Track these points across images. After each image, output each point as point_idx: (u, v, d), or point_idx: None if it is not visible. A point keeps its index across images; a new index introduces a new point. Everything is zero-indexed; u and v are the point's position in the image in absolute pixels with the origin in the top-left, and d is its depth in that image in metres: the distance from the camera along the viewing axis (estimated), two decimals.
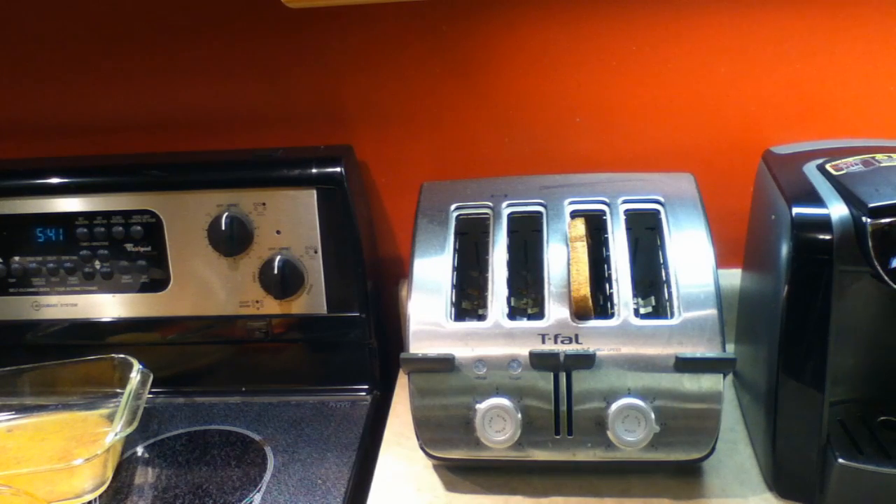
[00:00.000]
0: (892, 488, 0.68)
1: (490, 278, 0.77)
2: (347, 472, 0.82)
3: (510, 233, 0.80)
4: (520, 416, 0.71)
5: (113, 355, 0.92)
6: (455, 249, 0.80)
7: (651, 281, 0.79)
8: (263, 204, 0.90)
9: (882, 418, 0.73)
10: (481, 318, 0.76)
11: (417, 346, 0.74)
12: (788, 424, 0.70)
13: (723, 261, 0.80)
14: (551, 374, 0.71)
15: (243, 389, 0.97)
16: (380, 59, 0.92)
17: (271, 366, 0.97)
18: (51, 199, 0.93)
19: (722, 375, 0.71)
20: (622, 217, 0.80)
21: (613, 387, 0.71)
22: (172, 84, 0.96)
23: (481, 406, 0.71)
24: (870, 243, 0.63)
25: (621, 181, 0.84)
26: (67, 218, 0.93)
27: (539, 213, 0.81)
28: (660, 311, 0.77)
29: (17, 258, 0.94)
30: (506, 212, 0.82)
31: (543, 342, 0.72)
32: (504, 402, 0.71)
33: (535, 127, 0.93)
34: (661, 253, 0.77)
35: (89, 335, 0.96)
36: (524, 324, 0.74)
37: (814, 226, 0.66)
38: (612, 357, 0.71)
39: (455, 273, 0.79)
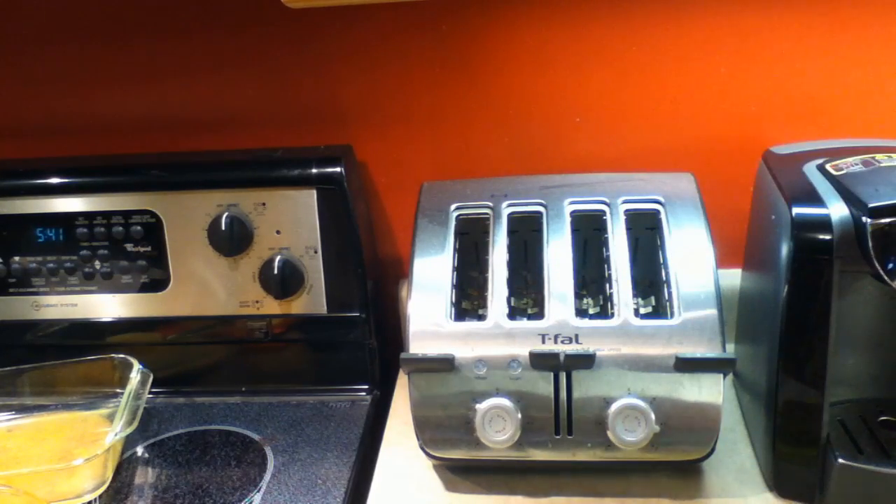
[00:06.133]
0: (892, 488, 0.68)
1: (490, 278, 0.77)
2: (347, 472, 0.82)
3: (510, 233, 0.80)
4: (520, 416, 0.71)
5: (113, 355, 0.92)
6: (455, 249, 0.80)
7: (651, 281, 0.79)
8: (263, 204, 0.90)
9: (882, 418, 0.73)
10: (481, 318, 0.76)
11: (417, 346, 0.74)
12: (788, 424, 0.70)
13: (723, 261, 0.80)
14: (551, 374, 0.71)
15: (243, 389, 0.97)
16: (380, 59, 0.92)
17: (271, 366, 0.97)
18: (51, 199, 0.93)
19: (722, 375, 0.71)
20: (622, 217, 0.79)
21: (613, 387, 0.71)
22: (172, 84, 0.96)
23: (481, 406, 0.71)
24: (870, 243, 0.63)
25: (621, 181, 0.84)
26: (67, 218, 0.93)
27: (539, 213, 0.81)
28: (660, 311, 0.77)
29: (17, 258, 0.94)
30: (506, 212, 0.82)
31: (543, 342, 0.72)
32: (504, 402, 0.71)
33: (535, 127, 0.93)
34: (661, 253, 0.77)
35: (89, 335, 0.96)
36: (524, 324, 0.74)
37: (814, 226, 0.66)
38: (612, 357, 0.71)
39: (455, 273, 0.79)
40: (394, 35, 0.91)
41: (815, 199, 0.68)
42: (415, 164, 0.96)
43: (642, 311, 0.78)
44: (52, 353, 0.95)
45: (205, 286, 0.93)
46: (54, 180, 0.93)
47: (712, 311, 0.72)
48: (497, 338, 0.73)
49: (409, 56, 0.92)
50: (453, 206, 0.83)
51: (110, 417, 0.91)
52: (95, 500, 0.80)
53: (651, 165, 0.92)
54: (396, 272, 1.03)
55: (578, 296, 0.80)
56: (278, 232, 0.91)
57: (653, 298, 0.79)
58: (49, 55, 0.96)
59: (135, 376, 0.88)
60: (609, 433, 0.70)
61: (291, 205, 0.90)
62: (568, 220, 0.80)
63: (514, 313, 0.76)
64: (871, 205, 0.63)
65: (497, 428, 0.71)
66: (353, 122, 0.96)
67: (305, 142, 0.96)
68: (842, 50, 0.86)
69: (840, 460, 0.68)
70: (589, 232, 0.82)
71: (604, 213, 0.80)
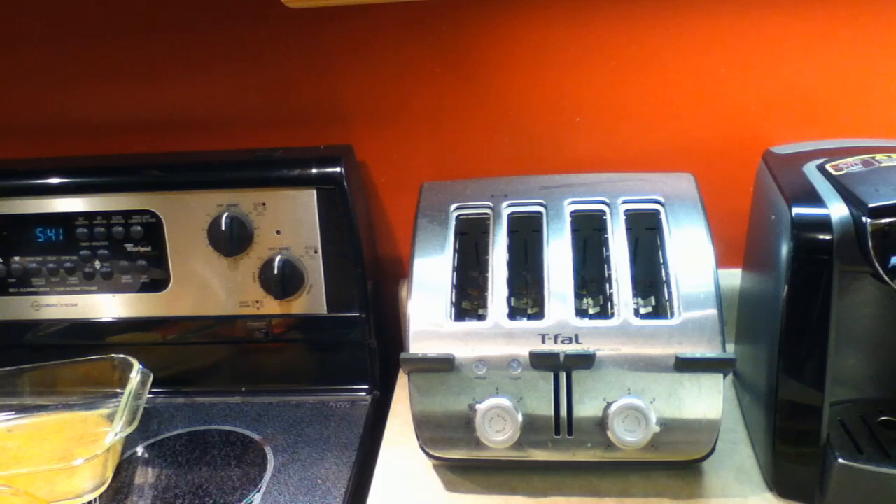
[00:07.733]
0: (892, 488, 0.68)
1: (490, 278, 0.77)
2: (347, 472, 0.82)
3: (510, 233, 0.80)
4: (520, 416, 0.71)
5: (113, 355, 0.92)
6: (455, 249, 0.80)
7: (651, 281, 0.79)
8: (263, 204, 0.90)
9: (882, 418, 0.73)
10: (481, 318, 0.76)
11: (417, 346, 0.74)
12: (788, 424, 0.70)
13: (723, 261, 0.80)
14: (551, 374, 0.71)
15: (243, 389, 0.97)
16: (379, 59, 0.92)
17: (271, 366, 0.97)
18: (51, 199, 0.93)
19: (722, 375, 0.71)
20: (622, 217, 0.80)
21: (613, 387, 0.71)
22: (172, 84, 0.96)
23: (481, 406, 0.71)
24: (870, 243, 0.63)
25: (621, 181, 0.84)
26: (67, 218, 0.93)
27: (539, 213, 0.81)
28: (660, 311, 0.77)
29: (17, 258, 0.94)
30: (506, 212, 0.82)
31: (543, 342, 0.72)
32: (504, 402, 0.71)
33: (535, 127, 0.93)
34: (661, 253, 0.77)
35: (89, 335, 0.96)
36: (524, 324, 0.74)
37: (814, 226, 0.66)
38: (612, 357, 0.71)
39: (455, 273, 0.79)
40: (393, 35, 0.91)
41: (815, 199, 0.68)
42: (415, 164, 0.96)
43: (642, 311, 0.78)
44: (52, 353, 0.95)
45: (205, 286, 0.93)
46: (54, 180, 0.93)
47: (712, 311, 0.72)
48: (497, 338, 0.73)
49: (408, 56, 0.92)
50: (453, 206, 0.83)
51: (110, 417, 0.91)
52: (95, 500, 0.80)
53: (651, 165, 0.92)
54: (396, 272, 1.03)
55: (578, 296, 0.80)
56: (278, 232, 0.91)
57: (653, 298, 0.79)
58: (49, 55, 0.96)
59: (135, 376, 0.88)
60: (609, 433, 0.70)
61: (291, 205, 0.90)
62: (568, 220, 0.80)
63: (514, 313, 0.76)
64: (871, 205, 0.63)
65: (497, 428, 0.71)
66: (352, 122, 0.96)
67: (305, 142, 0.96)
68: (842, 50, 0.86)
69: (840, 460, 0.68)
70: (589, 232, 0.83)
71: (604, 213, 0.80)
